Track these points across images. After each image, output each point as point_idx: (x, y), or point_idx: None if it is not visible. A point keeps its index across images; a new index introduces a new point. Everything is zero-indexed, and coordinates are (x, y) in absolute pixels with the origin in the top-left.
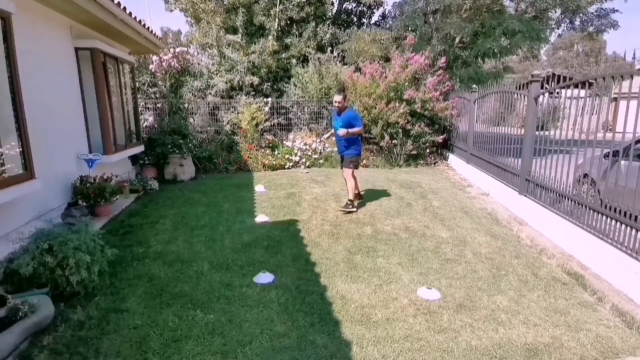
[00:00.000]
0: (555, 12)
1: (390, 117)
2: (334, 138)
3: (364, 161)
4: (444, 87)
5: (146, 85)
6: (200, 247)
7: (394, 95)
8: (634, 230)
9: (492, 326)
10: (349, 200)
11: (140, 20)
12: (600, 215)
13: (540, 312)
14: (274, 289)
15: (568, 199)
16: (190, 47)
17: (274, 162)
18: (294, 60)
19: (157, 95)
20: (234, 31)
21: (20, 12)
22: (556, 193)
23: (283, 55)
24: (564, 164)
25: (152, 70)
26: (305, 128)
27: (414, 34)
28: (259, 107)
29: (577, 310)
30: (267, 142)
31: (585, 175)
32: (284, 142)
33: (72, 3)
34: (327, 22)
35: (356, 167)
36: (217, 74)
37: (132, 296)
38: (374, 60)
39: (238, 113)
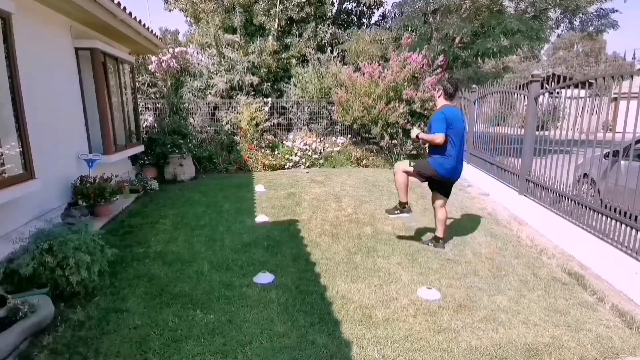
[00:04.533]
0: (555, 12)
1: (390, 117)
2: None
3: (364, 161)
4: None
5: (146, 85)
6: (200, 247)
7: (393, 95)
8: (634, 230)
9: (492, 326)
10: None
11: (140, 20)
12: (600, 215)
13: (540, 312)
14: (274, 289)
15: (568, 199)
16: (189, 47)
17: (274, 162)
18: (293, 61)
19: (157, 95)
20: (234, 31)
21: (20, 12)
22: (556, 193)
23: (283, 56)
24: (564, 164)
25: (152, 70)
26: (305, 128)
27: (413, 34)
28: (259, 107)
29: (577, 310)
30: (267, 142)
31: (585, 175)
32: (284, 142)
33: (72, 3)
34: (327, 22)
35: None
36: (216, 74)
37: (132, 296)
38: (373, 61)
39: (238, 113)
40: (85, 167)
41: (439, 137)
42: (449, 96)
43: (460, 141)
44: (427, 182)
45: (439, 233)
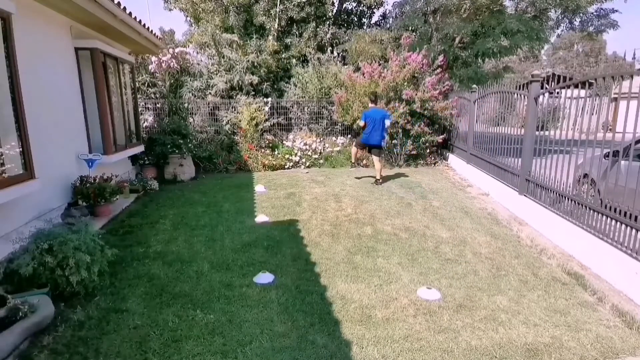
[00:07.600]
0: (555, 12)
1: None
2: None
3: (364, 161)
4: (444, 87)
5: (146, 85)
6: (200, 247)
7: (393, 95)
8: (634, 230)
9: (492, 326)
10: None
11: (140, 20)
12: (600, 215)
13: (540, 312)
14: (274, 289)
15: (568, 199)
16: (188, 47)
17: (274, 162)
18: (294, 60)
19: (157, 95)
20: (234, 31)
21: (20, 12)
22: (556, 193)
23: (283, 55)
24: (564, 164)
25: (152, 70)
26: (305, 128)
27: (414, 34)
28: (259, 107)
29: (577, 310)
30: (267, 142)
31: (585, 175)
32: (284, 142)
33: (72, 3)
34: (327, 22)
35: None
36: (216, 74)
37: (132, 296)
38: (373, 61)
39: (238, 113)
40: (85, 167)
41: (363, 122)
42: (373, 102)
43: (373, 125)
44: (367, 150)
45: (378, 176)
